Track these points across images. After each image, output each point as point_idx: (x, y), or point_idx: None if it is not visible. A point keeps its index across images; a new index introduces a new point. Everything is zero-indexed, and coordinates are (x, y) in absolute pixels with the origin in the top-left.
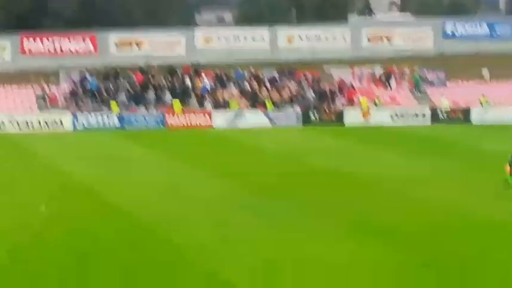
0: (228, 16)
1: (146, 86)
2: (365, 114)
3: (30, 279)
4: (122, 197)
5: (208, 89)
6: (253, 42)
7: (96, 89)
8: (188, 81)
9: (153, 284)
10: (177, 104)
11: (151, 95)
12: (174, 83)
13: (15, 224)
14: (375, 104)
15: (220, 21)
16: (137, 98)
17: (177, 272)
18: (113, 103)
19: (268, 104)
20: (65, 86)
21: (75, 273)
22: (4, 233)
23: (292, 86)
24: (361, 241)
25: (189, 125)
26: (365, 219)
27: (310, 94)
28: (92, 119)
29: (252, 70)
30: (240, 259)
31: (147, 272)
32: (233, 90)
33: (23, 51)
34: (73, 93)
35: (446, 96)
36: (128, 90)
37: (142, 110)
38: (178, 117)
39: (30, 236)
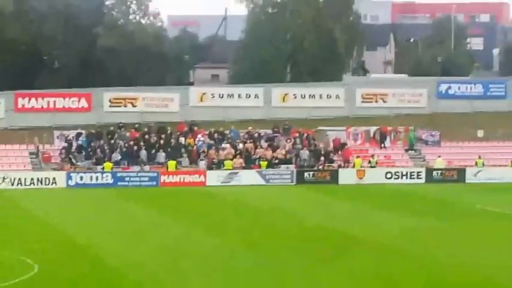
0: (223, 74)
1: (140, 143)
2: (359, 173)
3: None
4: (112, 254)
5: (203, 147)
6: (247, 100)
7: (90, 147)
8: (182, 140)
9: None
10: (172, 164)
11: (144, 153)
12: (168, 141)
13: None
14: (370, 164)
15: (215, 79)
16: (131, 156)
17: None
18: (106, 163)
19: (263, 163)
20: (58, 144)
21: None
22: None
23: (287, 144)
24: None
25: (183, 182)
26: (357, 276)
27: (305, 153)
28: (85, 176)
29: (248, 129)
30: None
31: None
32: (227, 149)
33: (17, 109)
34: (67, 151)
35: (441, 155)
36: (121, 148)
37: (135, 168)
38: (172, 176)
39: None
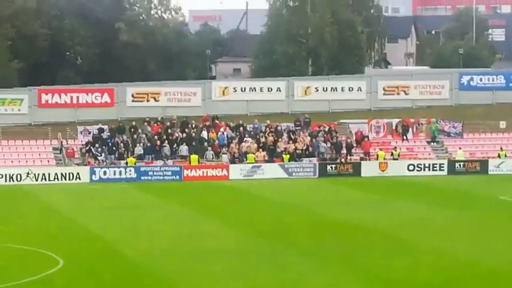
0: (244, 68)
1: (163, 138)
2: (382, 166)
3: None
4: (135, 248)
5: (225, 141)
6: (269, 93)
7: (113, 141)
8: (205, 133)
9: None
10: (194, 158)
11: (167, 147)
12: (190, 135)
13: (28, 272)
14: (392, 156)
15: (237, 73)
16: (154, 150)
17: None
18: (129, 157)
19: (285, 156)
20: (82, 139)
21: None
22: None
23: (309, 138)
24: None
25: (206, 175)
26: (379, 269)
27: (327, 146)
28: (108, 171)
29: (269, 122)
30: None
31: None
32: (249, 142)
33: (41, 105)
34: (90, 146)
35: (463, 147)
36: (144, 142)
37: (159, 162)
38: (195, 170)
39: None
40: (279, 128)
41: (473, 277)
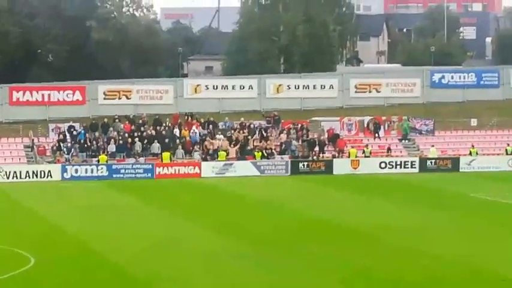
0: (216, 66)
1: (134, 135)
2: (354, 163)
3: None
4: (108, 247)
5: (197, 138)
6: (241, 91)
7: (85, 139)
8: (176, 131)
9: None
10: (166, 155)
11: (138, 145)
12: (162, 133)
13: None
14: (364, 154)
15: (209, 71)
16: (125, 148)
17: None
18: (101, 155)
19: (257, 154)
20: (53, 137)
21: None
22: None
23: (281, 135)
24: None
25: (178, 173)
26: (356, 269)
27: (299, 144)
28: (80, 169)
29: (243, 120)
30: None
31: None
32: (221, 140)
33: (12, 103)
34: (61, 144)
35: (435, 145)
36: (116, 140)
37: (130, 160)
38: (167, 167)
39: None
40: (251, 125)
41: (451, 275)
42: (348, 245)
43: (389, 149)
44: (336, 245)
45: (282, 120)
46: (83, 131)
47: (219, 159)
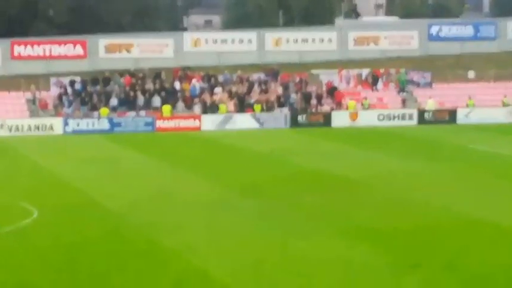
0: (216, 19)
1: (135, 89)
2: (352, 116)
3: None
4: (108, 197)
5: (197, 92)
6: (240, 45)
7: (85, 93)
8: (177, 85)
9: (142, 281)
10: (166, 108)
11: (140, 98)
12: (162, 86)
13: (1, 223)
14: (362, 106)
15: (208, 25)
16: (127, 102)
17: (167, 271)
18: (102, 108)
19: (256, 107)
20: (55, 91)
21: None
22: None
23: (280, 88)
24: (350, 241)
25: (178, 126)
26: (354, 220)
27: (298, 96)
28: (82, 122)
29: (240, 73)
30: (230, 259)
31: (135, 271)
32: (221, 93)
33: (13, 57)
34: (63, 98)
35: (432, 97)
36: (117, 94)
37: (131, 113)
38: (168, 120)
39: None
40: (250, 79)
41: (446, 223)
42: (347, 196)
43: None
44: (335, 196)
45: (281, 74)
46: (83, 85)
47: (219, 112)
